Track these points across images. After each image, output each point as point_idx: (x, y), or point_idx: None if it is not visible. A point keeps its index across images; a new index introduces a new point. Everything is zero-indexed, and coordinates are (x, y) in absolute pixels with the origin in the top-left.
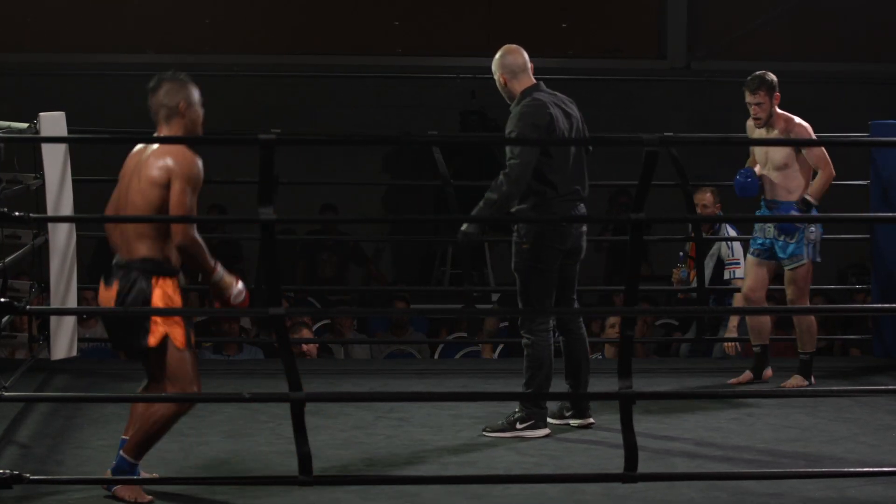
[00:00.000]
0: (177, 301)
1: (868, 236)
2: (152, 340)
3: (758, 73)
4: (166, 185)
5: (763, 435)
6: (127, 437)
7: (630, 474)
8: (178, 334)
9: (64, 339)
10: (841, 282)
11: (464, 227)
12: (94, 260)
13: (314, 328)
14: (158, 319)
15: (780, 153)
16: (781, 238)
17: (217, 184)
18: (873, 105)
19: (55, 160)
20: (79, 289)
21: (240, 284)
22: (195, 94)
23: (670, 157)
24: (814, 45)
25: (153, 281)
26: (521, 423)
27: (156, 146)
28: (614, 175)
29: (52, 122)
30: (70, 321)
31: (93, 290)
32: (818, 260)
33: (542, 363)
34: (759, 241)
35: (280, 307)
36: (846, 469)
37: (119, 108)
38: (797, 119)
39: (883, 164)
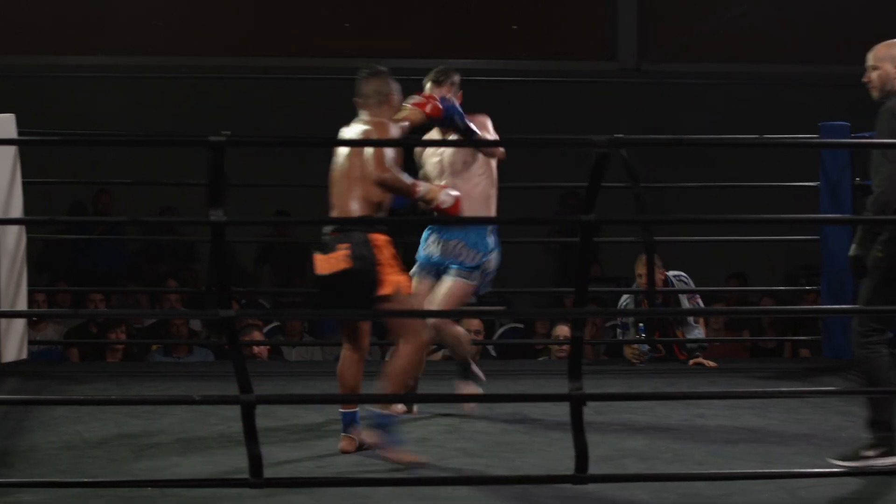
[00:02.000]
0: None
1: (818, 237)
2: (388, 289)
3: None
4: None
5: (714, 436)
6: (347, 411)
7: (580, 475)
8: (406, 282)
9: (14, 342)
10: (791, 283)
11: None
12: (40, 262)
13: (265, 330)
14: (390, 269)
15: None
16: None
17: (168, 185)
18: (822, 107)
19: (5, 162)
20: (29, 291)
21: (447, 190)
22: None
23: (621, 159)
24: (763, 47)
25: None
26: (870, 451)
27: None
28: (564, 177)
29: (2, 124)
30: (20, 323)
31: (43, 291)
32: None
33: (876, 380)
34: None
35: (230, 309)
36: (797, 470)
37: (69, 110)
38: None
39: (832, 166)
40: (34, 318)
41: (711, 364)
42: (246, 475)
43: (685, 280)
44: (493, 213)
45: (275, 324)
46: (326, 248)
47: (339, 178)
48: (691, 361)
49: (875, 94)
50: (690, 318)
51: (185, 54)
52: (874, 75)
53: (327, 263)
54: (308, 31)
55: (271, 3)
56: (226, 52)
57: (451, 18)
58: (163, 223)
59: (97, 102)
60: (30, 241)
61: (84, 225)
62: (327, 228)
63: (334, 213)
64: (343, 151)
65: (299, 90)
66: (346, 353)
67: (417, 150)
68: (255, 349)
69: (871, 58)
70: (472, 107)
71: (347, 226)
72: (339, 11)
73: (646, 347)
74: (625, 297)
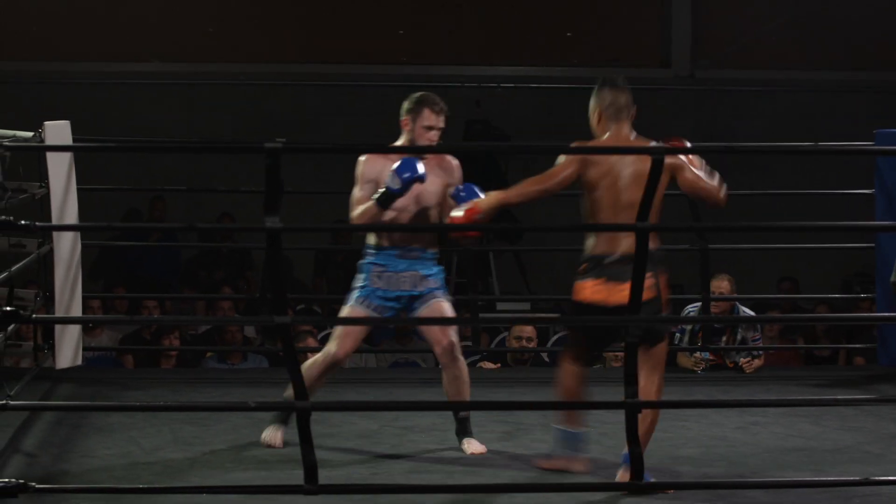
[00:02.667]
0: None
1: (872, 245)
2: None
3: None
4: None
5: (768, 444)
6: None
7: (635, 483)
8: None
9: (69, 348)
10: (845, 291)
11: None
12: (94, 269)
13: (319, 337)
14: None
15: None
16: None
17: (224, 193)
18: (877, 114)
19: (60, 169)
20: (84, 297)
21: None
22: None
23: None
24: (817, 54)
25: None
26: None
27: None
28: None
29: (57, 130)
30: (75, 330)
31: (98, 298)
32: None
33: None
34: None
35: (285, 315)
36: (851, 478)
37: (123, 117)
38: None
39: (888, 173)
40: (90, 325)
41: (755, 364)
42: (301, 482)
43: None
44: None
45: (328, 330)
46: (617, 276)
47: (626, 201)
48: (741, 361)
49: None
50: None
51: (238, 61)
52: None
53: (619, 293)
54: (362, 38)
55: (325, 10)
56: (280, 59)
57: (505, 26)
58: (218, 230)
59: (152, 110)
60: (85, 248)
61: (139, 232)
62: (607, 255)
63: (611, 241)
64: (631, 171)
65: (354, 97)
66: (575, 368)
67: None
68: (311, 355)
69: None
70: (530, 113)
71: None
72: (392, 19)
73: (706, 355)
74: (689, 306)
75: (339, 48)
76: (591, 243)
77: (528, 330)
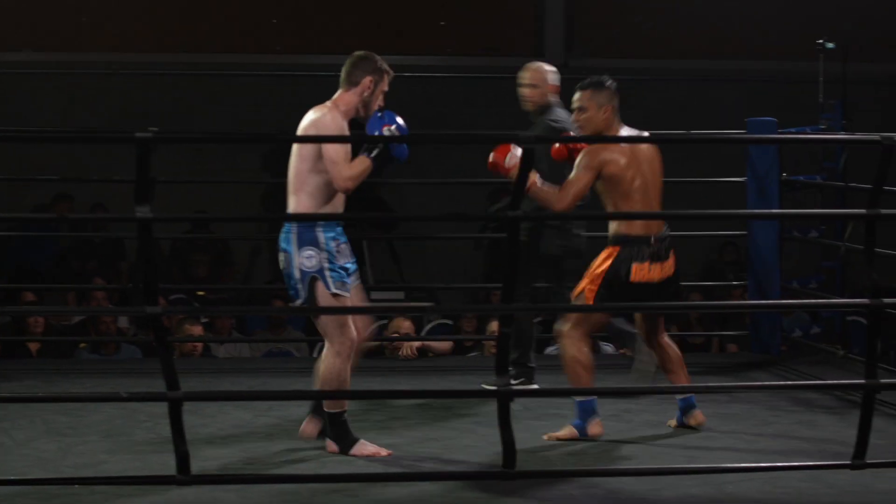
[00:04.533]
0: None
1: (745, 233)
2: None
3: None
4: None
5: (641, 431)
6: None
7: (508, 471)
8: None
9: None
10: (717, 278)
11: None
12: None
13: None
14: None
15: None
16: None
17: (96, 182)
18: (749, 103)
19: None
20: None
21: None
22: None
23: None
24: (690, 43)
25: None
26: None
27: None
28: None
29: None
30: None
31: None
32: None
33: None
34: None
35: (157, 306)
36: (724, 465)
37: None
38: None
39: (759, 162)
40: None
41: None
42: (174, 472)
43: None
44: None
45: (204, 320)
46: (658, 256)
47: (654, 186)
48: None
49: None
50: None
51: (114, 51)
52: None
53: (661, 271)
54: (238, 27)
55: (200, 0)
56: (156, 49)
57: (379, 14)
58: (91, 220)
59: (27, 100)
60: None
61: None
62: (648, 237)
63: (647, 225)
64: (649, 160)
65: (229, 87)
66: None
67: None
68: (192, 346)
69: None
70: (404, 104)
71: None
72: (266, 8)
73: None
74: None
75: (215, 38)
76: (622, 226)
77: (407, 325)
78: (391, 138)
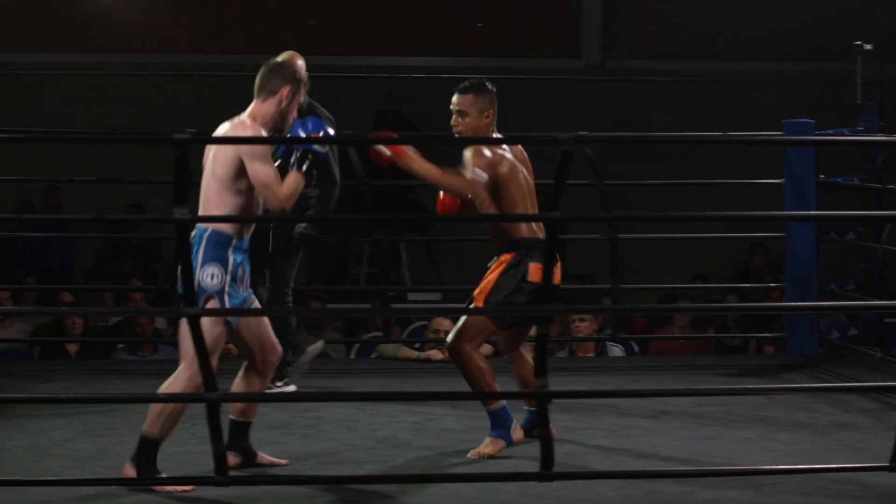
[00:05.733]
0: None
1: (782, 235)
2: None
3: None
4: None
5: (678, 433)
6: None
7: (546, 473)
8: None
9: None
10: (754, 280)
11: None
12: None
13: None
14: None
15: None
16: None
17: (133, 184)
18: (787, 104)
19: None
20: None
21: None
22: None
23: (585, 157)
24: (728, 44)
25: None
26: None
27: None
28: None
29: None
30: None
31: (7, 290)
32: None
33: None
34: None
35: (195, 307)
36: (761, 467)
37: (31, 108)
38: None
39: (796, 163)
40: None
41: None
42: (211, 473)
43: None
44: None
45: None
46: (543, 259)
47: (531, 191)
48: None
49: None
50: None
51: (150, 52)
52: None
53: (551, 274)
54: (274, 28)
55: (236, 1)
56: (192, 49)
57: (417, 16)
58: (127, 221)
59: (63, 100)
60: None
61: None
62: (536, 240)
63: (535, 227)
64: (523, 166)
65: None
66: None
67: None
68: (229, 346)
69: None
70: (441, 103)
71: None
72: (304, 9)
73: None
74: None
75: (251, 39)
76: (511, 229)
77: (447, 323)
78: (317, 138)
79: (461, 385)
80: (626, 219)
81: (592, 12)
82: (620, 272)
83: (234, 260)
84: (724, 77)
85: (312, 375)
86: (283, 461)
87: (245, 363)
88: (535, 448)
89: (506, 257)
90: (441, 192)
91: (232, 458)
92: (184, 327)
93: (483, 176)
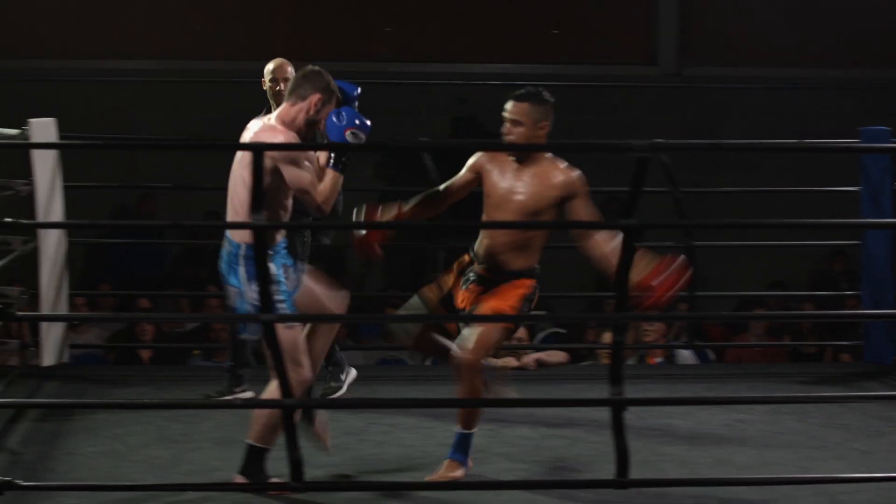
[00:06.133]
0: None
1: (859, 242)
2: None
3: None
4: None
5: (754, 441)
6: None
7: (621, 480)
8: None
9: (55, 345)
10: (831, 288)
11: None
12: (86, 266)
13: None
14: None
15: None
16: None
17: (210, 190)
18: (864, 111)
19: (45, 166)
20: (70, 295)
21: None
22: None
23: (661, 164)
24: (805, 51)
25: None
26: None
27: None
28: (605, 181)
29: (43, 128)
30: (60, 327)
31: (84, 295)
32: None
33: None
34: None
35: (272, 313)
36: (837, 475)
37: (110, 115)
38: None
39: (873, 170)
40: (75, 322)
41: None
42: (286, 478)
43: None
44: None
45: None
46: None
47: None
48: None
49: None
50: None
51: (225, 58)
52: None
53: None
54: (349, 34)
55: (312, 7)
56: (267, 56)
57: (493, 23)
58: (204, 227)
59: (138, 107)
60: (71, 245)
61: (126, 229)
62: None
63: None
64: None
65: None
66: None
67: None
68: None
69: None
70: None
71: None
72: (379, 15)
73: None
74: None
75: (326, 45)
76: (536, 255)
77: (522, 331)
78: (354, 147)
79: (535, 392)
80: (703, 226)
81: (669, 20)
82: (696, 280)
83: (276, 267)
84: (800, 84)
85: (387, 382)
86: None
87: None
88: (609, 455)
89: (526, 283)
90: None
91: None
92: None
93: None
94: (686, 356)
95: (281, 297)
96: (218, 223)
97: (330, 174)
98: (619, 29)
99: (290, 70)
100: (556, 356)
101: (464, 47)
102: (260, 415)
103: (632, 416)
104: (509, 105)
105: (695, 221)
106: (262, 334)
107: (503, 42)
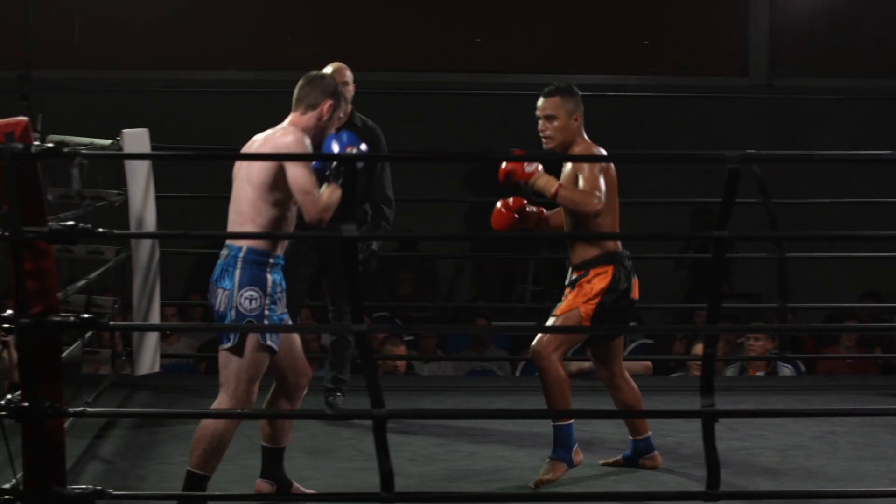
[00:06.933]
0: None
1: None
2: None
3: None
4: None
5: (846, 454)
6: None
7: (712, 492)
8: None
9: (147, 355)
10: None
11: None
12: (177, 275)
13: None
14: None
15: None
16: None
17: None
18: None
19: (138, 176)
20: (161, 305)
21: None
22: None
23: (753, 175)
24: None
25: None
26: None
27: None
28: (696, 192)
29: (135, 138)
30: (153, 337)
31: (174, 305)
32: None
33: None
34: None
35: (362, 324)
36: None
37: (201, 125)
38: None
39: None
40: (167, 332)
41: None
42: (377, 489)
43: None
44: None
45: (408, 338)
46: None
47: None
48: None
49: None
50: None
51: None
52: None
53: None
54: (439, 46)
55: (400, 19)
56: (356, 67)
57: (582, 34)
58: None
59: (230, 117)
60: (163, 256)
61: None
62: (624, 253)
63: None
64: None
65: (431, 105)
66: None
67: None
68: (395, 363)
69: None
70: (606, 121)
71: None
72: (470, 27)
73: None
74: None
75: (415, 56)
76: (609, 243)
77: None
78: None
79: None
80: (794, 238)
81: (759, 30)
82: (788, 291)
83: (273, 280)
84: (892, 94)
85: (477, 392)
86: (310, 492)
87: (273, 387)
88: (700, 467)
89: (605, 269)
90: (498, 204)
91: (267, 486)
92: (222, 356)
93: (603, 194)
94: (785, 370)
95: (268, 313)
96: (308, 233)
97: (333, 187)
98: (710, 39)
99: (349, 74)
100: (638, 366)
101: (555, 58)
102: (202, 439)
103: (723, 427)
104: (540, 102)
105: (786, 233)
106: (225, 354)
107: (594, 53)
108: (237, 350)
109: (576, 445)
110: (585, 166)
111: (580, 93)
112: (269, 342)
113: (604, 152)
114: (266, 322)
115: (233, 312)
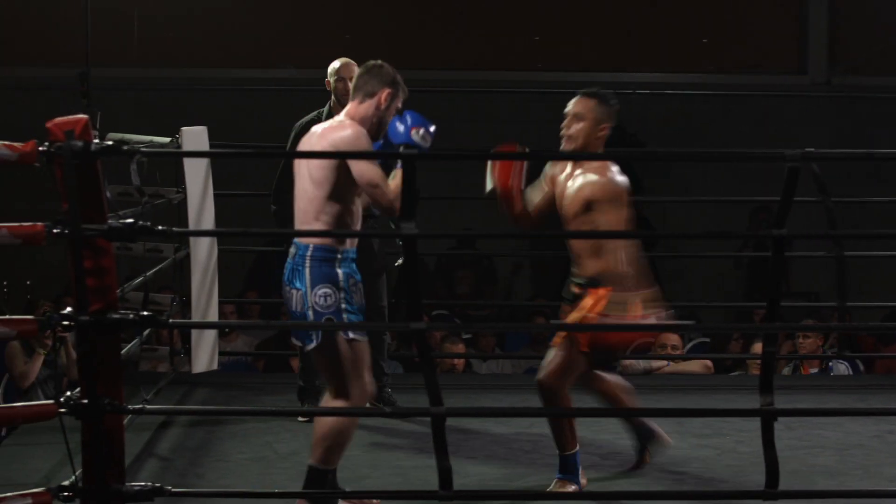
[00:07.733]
0: None
1: None
2: None
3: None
4: None
5: None
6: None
7: (771, 491)
8: None
9: (205, 353)
10: None
11: None
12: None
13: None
14: None
15: None
16: None
17: None
18: None
19: (197, 174)
20: (220, 302)
21: None
22: None
23: (812, 173)
24: None
25: None
26: None
27: None
28: (755, 191)
29: (194, 136)
30: (211, 335)
31: (232, 303)
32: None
33: None
34: None
35: (421, 322)
36: None
37: (260, 124)
38: None
39: None
40: (226, 330)
41: None
42: (435, 487)
43: None
44: None
45: (466, 336)
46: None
47: None
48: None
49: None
50: None
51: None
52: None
53: None
54: (498, 43)
55: (459, 17)
56: (415, 65)
57: (641, 32)
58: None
59: (287, 116)
60: (222, 253)
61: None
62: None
63: None
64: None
65: (489, 103)
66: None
67: None
68: (454, 362)
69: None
70: (665, 120)
71: None
72: (528, 24)
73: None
74: None
75: (474, 54)
76: (613, 262)
77: (675, 338)
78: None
79: (684, 402)
80: (853, 236)
81: (819, 28)
82: (846, 290)
83: (343, 274)
84: None
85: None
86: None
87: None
88: (759, 466)
89: (596, 294)
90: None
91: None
92: (314, 357)
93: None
94: (840, 367)
95: (346, 307)
96: (370, 232)
97: (399, 173)
98: (769, 37)
99: (355, 69)
100: (698, 366)
101: (613, 56)
102: (325, 437)
103: (782, 426)
104: (574, 100)
105: (844, 232)
106: (322, 343)
107: (653, 51)
108: (325, 349)
109: (581, 470)
110: (604, 199)
111: (616, 105)
112: (352, 335)
113: (619, 178)
114: (346, 318)
115: (310, 312)
